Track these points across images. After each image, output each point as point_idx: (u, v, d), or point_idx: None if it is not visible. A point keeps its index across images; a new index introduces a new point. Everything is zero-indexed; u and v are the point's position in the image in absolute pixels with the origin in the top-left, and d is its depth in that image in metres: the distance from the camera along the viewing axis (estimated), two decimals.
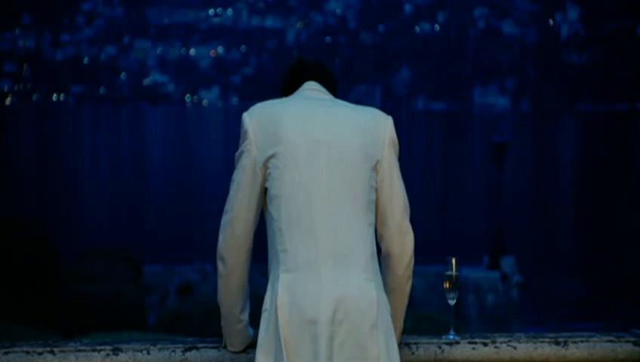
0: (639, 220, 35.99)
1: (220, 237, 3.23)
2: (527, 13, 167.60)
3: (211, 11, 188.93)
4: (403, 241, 3.27)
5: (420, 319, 16.10)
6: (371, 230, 3.20)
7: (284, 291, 3.07)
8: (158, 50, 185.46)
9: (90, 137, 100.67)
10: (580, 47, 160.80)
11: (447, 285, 3.72)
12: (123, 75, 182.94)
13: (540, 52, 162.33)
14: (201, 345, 3.58)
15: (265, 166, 3.18)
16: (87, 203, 42.34)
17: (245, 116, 3.26)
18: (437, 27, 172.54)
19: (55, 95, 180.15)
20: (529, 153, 69.87)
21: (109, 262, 16.04)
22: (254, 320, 3.30)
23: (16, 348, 3.52)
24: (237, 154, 3.23)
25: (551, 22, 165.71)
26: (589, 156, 69.42)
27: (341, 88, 3.50)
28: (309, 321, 3.04)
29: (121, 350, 3.55)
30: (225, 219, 3.22)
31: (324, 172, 3.15)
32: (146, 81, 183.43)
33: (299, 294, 3.06)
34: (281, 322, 3.05)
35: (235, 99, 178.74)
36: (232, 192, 3.22)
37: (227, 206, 3.22)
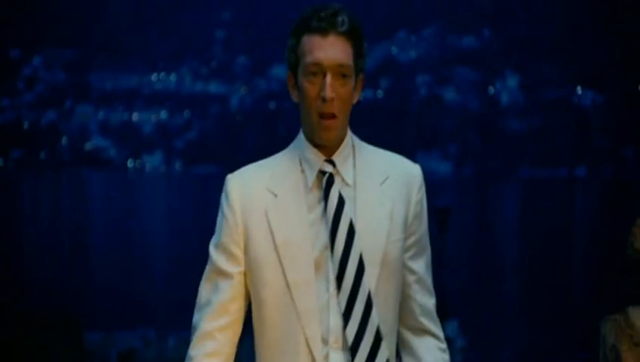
0: (578, 282, 36.42)
1: None
2: (468, 82, 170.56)
3: (154, 76, 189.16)
4: None
5: None
6: None
7: None
8: (100, 115, 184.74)
9: (29, 202, 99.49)
10: (520, 115, 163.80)
11: None
12: (64, 140, 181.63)
13: (482, 119, 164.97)
14: None
15: None
16: (26, 267, 41.71)
17: None
18: (380, 93, 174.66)
19: None
20: (471, 217, 70.59)
21: (49, 328, 15.76)
22: None
23: None
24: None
25: (491, 90, 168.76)
26: (529, 220, 70.31)
27: None
28: None
29: None
30: None
31: None
32: (88, 146, 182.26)
33: None
34: None
35: (178, 164, 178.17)
36: None
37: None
